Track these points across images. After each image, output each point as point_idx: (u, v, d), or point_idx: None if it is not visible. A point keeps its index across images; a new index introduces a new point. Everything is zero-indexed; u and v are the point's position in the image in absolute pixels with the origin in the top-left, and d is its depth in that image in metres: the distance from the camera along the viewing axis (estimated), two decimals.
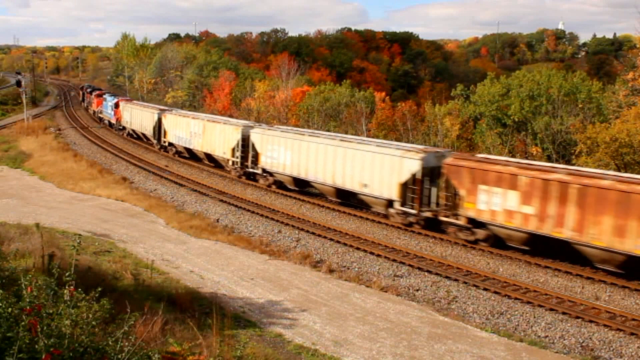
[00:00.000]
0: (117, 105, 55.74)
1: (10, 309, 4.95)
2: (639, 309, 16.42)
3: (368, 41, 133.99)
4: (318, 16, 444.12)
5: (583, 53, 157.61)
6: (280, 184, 31.14)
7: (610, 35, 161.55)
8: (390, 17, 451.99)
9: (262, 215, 25.92)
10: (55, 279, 5.78)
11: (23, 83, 65.98)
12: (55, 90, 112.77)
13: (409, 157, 23.56)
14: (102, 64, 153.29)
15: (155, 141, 44.66)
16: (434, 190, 23.44)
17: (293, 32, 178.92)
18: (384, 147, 25.35)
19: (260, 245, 21.37)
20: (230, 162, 34.47)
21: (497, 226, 20.79)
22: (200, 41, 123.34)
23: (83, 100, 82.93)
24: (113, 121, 57.38)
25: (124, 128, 53.39)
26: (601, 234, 17.78)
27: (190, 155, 40.42)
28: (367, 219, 25.43)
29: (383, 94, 58.93)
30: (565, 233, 18.73)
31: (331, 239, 22.45)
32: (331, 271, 18.88)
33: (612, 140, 26.93)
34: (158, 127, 43.63)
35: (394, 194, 24.03)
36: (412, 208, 23.51)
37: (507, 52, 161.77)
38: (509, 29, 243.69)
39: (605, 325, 15.24)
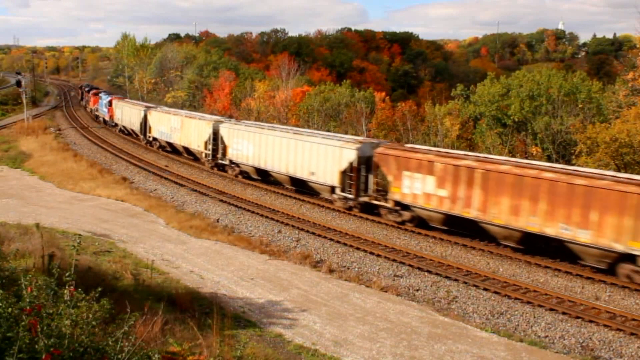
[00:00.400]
0: (110, 103, 58.48)
1: (10, 309, 4.95)
2: (639, 309, 16.42)
3: (368, 41, 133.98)
4: (318, 16, 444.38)
5: (583, 53, 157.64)
6: (245, 174, 33.62)
7: (610, 35, 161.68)
8: (390, 17, 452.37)
9: (262, 215, 25.92)
10: (55, 279, 5.78)
11: (23, 83, 65.98)
12: (55, 91, 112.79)
13: (347, 148, 25.96)
14: (102, 64, 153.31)
15: (142, 136, 47.30)
16: (370, 177, 25.59)
17: (293, 32, 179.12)
18: (327, 139, 27.78)
19: (260, 245, 21.37)
20: (204, 155, 36.99)
21: (418, 208, 23.17)
22: (200, 41, 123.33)
23: (82, 98, 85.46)
24: (107, 118, 59.73)
25: (116, 124, 55.93)
26: (500, 213, 20.22)
27: (172, 149, 43.09)
28: (366, 219, 25.44)
29: (383, 94, 58.93)
30: (472, 213, 21.16)
31: (331, 239, 22.44)
32: (331, 271, 18.88)
33: (612, 141, 26.92)
34: (144, 123, 46.09)
35: (335, 180, 26.52)
36: (351, 193, 25.97)
37: (507, 52, 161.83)
38: (509, 29, 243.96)
39: (605, 325, 15.24)
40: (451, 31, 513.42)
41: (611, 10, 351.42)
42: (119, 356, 5.30)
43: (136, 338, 5.72)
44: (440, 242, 22.42)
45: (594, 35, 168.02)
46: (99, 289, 5.95)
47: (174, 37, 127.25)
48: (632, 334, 14.75)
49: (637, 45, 40.47)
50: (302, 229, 23.83)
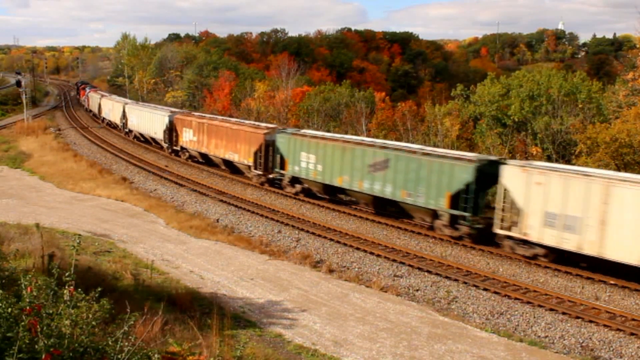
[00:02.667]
0: (86, 95, 72.06)
1: (10, 309, 4.95)
2: (639, 309, 16.42)
3: (368, 41, 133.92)
4: (318, 16, 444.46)
5: (583, 53, 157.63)
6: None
7: (610, 35, 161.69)
8: (390, 17, 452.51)
9: (262, 215, 25.92)
10: (55, 279, 5.77)
11: (23, 83, 65.95)
12: (55, 91, 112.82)
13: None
14: (103, 64, 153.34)
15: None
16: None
17: (293, 32, 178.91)
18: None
19: (260, 245, 21.37)
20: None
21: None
22: (200, 41, 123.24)
23: (77, 93, 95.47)
24: (86, 106, 71.42)
25: (91, 111, 65.95)
26: (218, 148, 34.98)
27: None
28: (366, 219, 25.44)
29: (383, 94, 58.96)
30: (204, 150, 36.86)
31: (331, 239, 22.44)
32: (331, 271, 18.88)
33: (612, 141, 26.93)
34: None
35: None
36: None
37: (507, 52, 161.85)
38: (509, 29, 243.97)
39: (605, 325, 15.24)
40: (451, 31, 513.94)
41: (611, 10, 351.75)
42: (119, 356, 5.30)
43: (136, 338, 5.71)
44: (440, 242, 22.42)
45: (594, 35, 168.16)
46: (99, 289, 5.94)
47: (174, 37, 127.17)
48: (632, 334, 14.75)
49: (637, 45, 40.48)
50: (302, 229, 23.83)
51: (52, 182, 31.64)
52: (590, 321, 15.47)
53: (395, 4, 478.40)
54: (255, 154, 31.64)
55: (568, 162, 31.81)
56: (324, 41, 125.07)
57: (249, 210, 26.80)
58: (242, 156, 33.04)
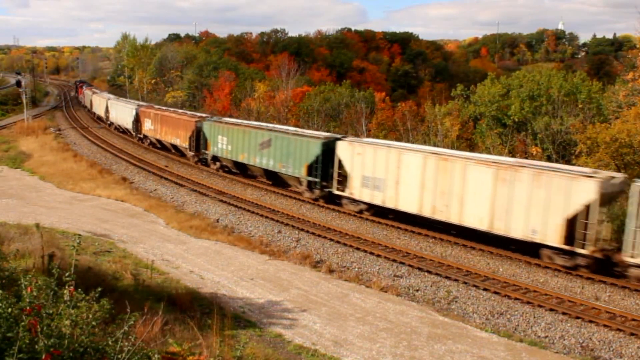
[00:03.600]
0: (83, 92, 79.56)
1: (10, 309, 4.95)
2: (639, 309, 16.42)
3: (368, 41, 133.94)
4: (318, 16, 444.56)
5: (583, 53, 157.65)
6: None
7: (610, 35, 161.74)
8: (389, 17, 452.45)
9: (262, 215, 25.92)
10: (55, 279, 5.77)
11: (23, 83, 65.93)
12: (55, 91, 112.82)
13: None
14: (103, 64, 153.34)
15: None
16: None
17: (293, 32, 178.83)
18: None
19: (260, 246, 21.37)
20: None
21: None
22: (200, 41, 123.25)
23: (76, 91, 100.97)
24: (84, 103, 78.14)
25: (85, 106, 74.27)
26: (164, 135, 42.04)
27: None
28: (366, 219, 25.44)
29: (383, 94, 58.99)
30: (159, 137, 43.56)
31: (331, 239, 22.44)
32: (331, 271, 18.88)
33: (612, 141, 26.92)
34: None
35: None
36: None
37: (507, 52, 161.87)
38: (509, 29, 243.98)
39: (605, 326, 15.24)
40: (451, 31, 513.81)
41: (611, 10, 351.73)
42: (119, 356, 5.30)
43: (136, 338, 5.71)
44: (440, 242, 22.42)
45: (594, 35, 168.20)
46: (99, 289, 5.94)
47: (174, 37, 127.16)
48: (632, 334, 14.75)
49: (637, 45, 40.48)
50: (302, 229, 23.83)
51: (52, 182, 31.64)
52: (590, 321, 15.47)
53: (395, 4, 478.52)
54: (190, 138, 38.40)
55: (568, 162, 31.82)
56: (324, 41, 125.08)
57: (249, 211, 26.81)
58: (182, 140, 39.78)
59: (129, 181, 33.36)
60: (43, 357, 4.69)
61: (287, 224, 24.58)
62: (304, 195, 28.37)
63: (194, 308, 13.91)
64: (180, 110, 46.02)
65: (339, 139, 26.99)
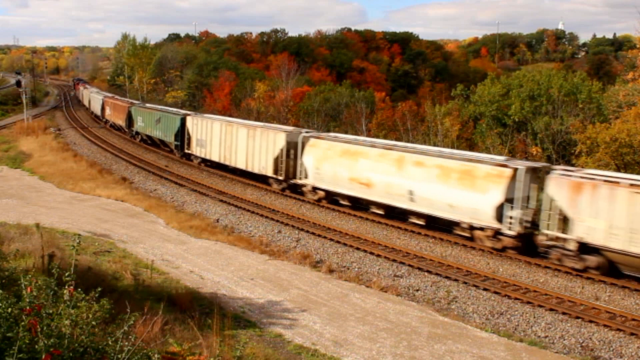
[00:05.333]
0: (79, 89, 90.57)
1: (10, 309, 4.95)
2: (639, 309, 16.42)
3: (368, 41, 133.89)
4: (318, 16, 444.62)
5: (583, 53, 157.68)
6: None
7: (610, 35, 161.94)
8: (389, 17, 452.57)
9: (262, 215, 25.92)
10: (55, 279, 5.77)
11: (23, 83, 65.92)
12: (55, 91, 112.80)
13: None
14: (102, 64, 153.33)
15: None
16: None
17: (293, 32, 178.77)
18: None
19: (260, 246, 21.36)
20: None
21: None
22: (200, 41, 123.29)
23: (74, 88, 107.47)
24: (80, 99, 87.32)
25: (84, 105, 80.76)
26: (116, 117, 54.45)
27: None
28: (366, 219, 25.44)
29: (383, 94, 59.04)
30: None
31: (331, 239, 22.44)
32: (331, 271, 18.88)
33: (612, 141, 26.94)
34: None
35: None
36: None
37: (507, 52, 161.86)
38: (509, 29, 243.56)
39: (605, 326, 15.24)
40: (451, 31, 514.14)
41: (610, 10, 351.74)
42: (119, 356, 5.30)
43: (136, 338, 5.70)
44: (440, 242, 22.42)
45: (594, 35, 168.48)
46: (99, 289, 5.94)
47: (174, 37, 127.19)
48: (632, 334, 14.75)
49: (637, 45, 40.48)
50: (302, 229, 23.83)
51: (52, 182, 31.63)
52: (590, 321, 15.47)
53: (395, 4, 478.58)
54: (125, 119, 50.62)
55: (568, 162, 31.83)
56: (324, 41, 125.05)
57: (249, 210, 26.81)
58: (122, 121, 51.59)
59: (129, 181, 33.36)
60: (43, 357, 4.69)
61: (287, 224, 24.58)
62: (175, 155, 40.61)
63: (194, 308, 13.90)
64: (122, 99, 59.87)
65: (188, 115, 39.80)
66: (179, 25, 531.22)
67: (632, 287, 17.53)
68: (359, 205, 26.51)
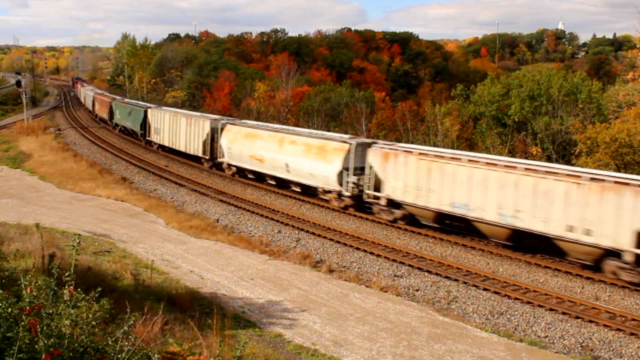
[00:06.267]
0: (78, 87, 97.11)
1: (10, 309, 4.94)
2: (639, 309, 16.42)
3: (368, 41, 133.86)
4: (317, 16, 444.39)
5: (583, 53, 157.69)
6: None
7: (610, 35, 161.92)
8: (389, 17, 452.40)
9: (262, 215, 25.92)
10: (55, 279, 5.77)
11: (23, 83, 65.92)
12: (55, 91, 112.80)
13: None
14: (102, 64, 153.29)
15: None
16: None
17: (293, 32, 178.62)
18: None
19: (260, 246, 21.36)
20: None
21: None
22: (200, 41, 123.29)
23: (73, 86, 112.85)
24: (78, 96, 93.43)
25: (78, 97, 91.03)
26: (101, 112, 63.45)
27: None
28: (366, 219, 25.45)
29: (383, 94, 59.05)
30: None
31: (331, 239, 22.44)
32: (331, 271, 18.88)
33: (612, 141, 26.95)
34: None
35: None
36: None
37: (507, 52, 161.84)
38: (509, 29, 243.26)
39: (605, 325, 15.24)
40: (450, 31, 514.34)
41: (610, 10, 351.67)
42: (119, 356, 5.30)
43: (136, 338, 5.70)
44: (440, 242, 22.42)
45: (594, 35, 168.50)
46: (99, 289, 5.93)
47: (174, 37, 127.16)
48: (632, 334, 14.75)
49: (637, 45, 40.48)
50: (302, 229, 23.83)
51: (52, 182, 31.62)
52: (590, 321, 15.47)
53: (395, 4, 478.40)
54: (107, 112, 58.45)
55: (568, 162, 31.82)
56: (324, 41, 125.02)
57: (248, 210, 26.81)
58: (105, 115, 59.53)
59: (129, 181, 33.35)
60: (43, 357, 4.69)
61: (287, 224, 24.58)
62: (141, 142, 46.87)
63: (194, 308, 13.90)
64: (107, 95, 67.96)
65: (149, 108, 46.64)
66: (179, 25, 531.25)
67: (632, 287, 17.52)
68: (260, 178, 32.15)
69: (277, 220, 25.13)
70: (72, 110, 78.21)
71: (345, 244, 21.89)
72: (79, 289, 5.71)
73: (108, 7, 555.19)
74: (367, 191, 24.88)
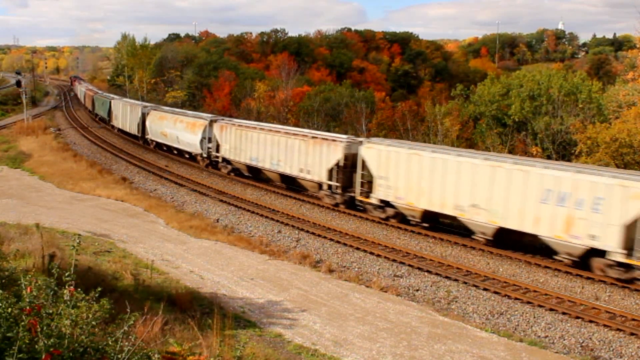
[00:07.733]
0: (75, 85, 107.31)
1: (10, 309, 4.94)
2: (639, 309, 16.42)
3: (368, 41, 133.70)
4: (318, 16, 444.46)
5: (583, 53, 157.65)
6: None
7: (610, 35, 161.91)
8: (389, 17, 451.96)
9: (262, 215, 25.92)
10: (55, 279, 5.76)
11: (23, 83, 65.91)
12: (55, 91, 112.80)
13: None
14: (102, 64, 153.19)
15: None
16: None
17: (293, 32, 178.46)
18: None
19: (260, 245, 21.36)
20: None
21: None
22: (200, 41, 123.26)
23: (71, 84, 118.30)
24: (76, 93, 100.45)
25: (76, 94, 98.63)
26: (91, 106, 73.06)
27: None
28: (366, 219, 25.45)
29: (383, 94, 59.05)
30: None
31: (331, 239, 22.44)
32: (331, 271, 18.88)
33: (612, 141, 26.95)
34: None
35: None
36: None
37: (507, 52, 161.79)
38: (509, 29, 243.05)
39: (605, 325, 15.24)
40: (450, 31, 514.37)
41: (610, 10, 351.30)
42: (119, 356, 5.29)
43: (136, 338, 5.69)
44: (440, 242, 22.43)
45: (594, 35, 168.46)
46: (99, 289, 5.92)
47: (174, 37, 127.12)
48: (632, 334, 14.75)
49: (637, 45, 40.48)
50: (302, 229, 23.83)
51: (52, 182, 31.62)
52: (590, 321, 15.47)
53: (395, 4, 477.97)
54: (91, 105, 69.11)
55: (568, 162, 31.78)
56: (324, 41, 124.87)
57: (248, 210, 26.81)
58: (90, 107, 69.76)
59: (129, 181, 33.36)
60: (43, 357, 4.69)
61: (287, 224, 24.58)
62: (114, 130, 55.54)
63: (194, 308, 13.90)
64: (93, 90, 77.83)
65: (113, 99, 57.44)
66: (179, 25, 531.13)
67: (632, 287, 17.53)
68: (170, 150, 42.41)
69: (277, 220, 25.13)
70: (72, 110, 78.23)
71: (345, 244, 21.90)
72: (79, 289, 5.71)
73: (108, 7, 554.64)
74: (213, 152, 35.87)
